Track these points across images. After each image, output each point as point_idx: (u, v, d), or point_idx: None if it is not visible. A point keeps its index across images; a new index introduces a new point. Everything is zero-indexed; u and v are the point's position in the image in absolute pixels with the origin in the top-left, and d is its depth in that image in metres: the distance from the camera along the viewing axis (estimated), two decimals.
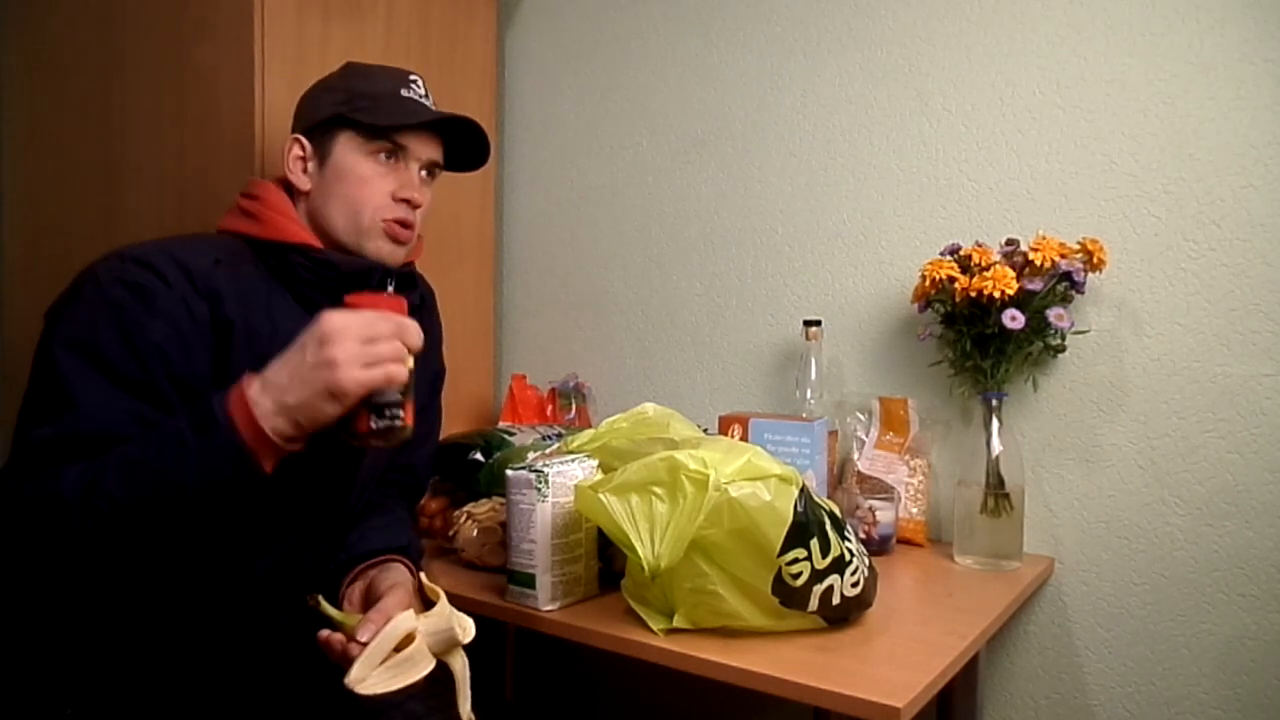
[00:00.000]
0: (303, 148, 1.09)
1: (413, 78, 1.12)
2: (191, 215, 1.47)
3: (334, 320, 0.84)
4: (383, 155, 1.08)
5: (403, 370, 0.85)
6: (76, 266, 0.97)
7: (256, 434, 0.83)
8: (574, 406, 1.75)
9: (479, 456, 1.39)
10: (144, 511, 0.84)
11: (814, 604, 0.97)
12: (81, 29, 1.66)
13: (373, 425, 0.86)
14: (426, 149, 1.11)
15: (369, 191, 1.07)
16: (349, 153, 1.07)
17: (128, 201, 1.59)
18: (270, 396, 0.83)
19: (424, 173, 1.12)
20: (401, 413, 0.87)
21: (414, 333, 0.87)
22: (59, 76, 1.71)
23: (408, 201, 1.08)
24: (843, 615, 1.01)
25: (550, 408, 1.77)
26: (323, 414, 0.84)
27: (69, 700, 0.96)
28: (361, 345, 0.83)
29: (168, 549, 0.90)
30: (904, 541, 1.38)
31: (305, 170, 1.09)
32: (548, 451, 1.31)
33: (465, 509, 1.27)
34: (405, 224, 1.08)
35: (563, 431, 1.50)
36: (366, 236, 1.07)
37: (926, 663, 0.93)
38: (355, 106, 1.07)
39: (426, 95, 1.12)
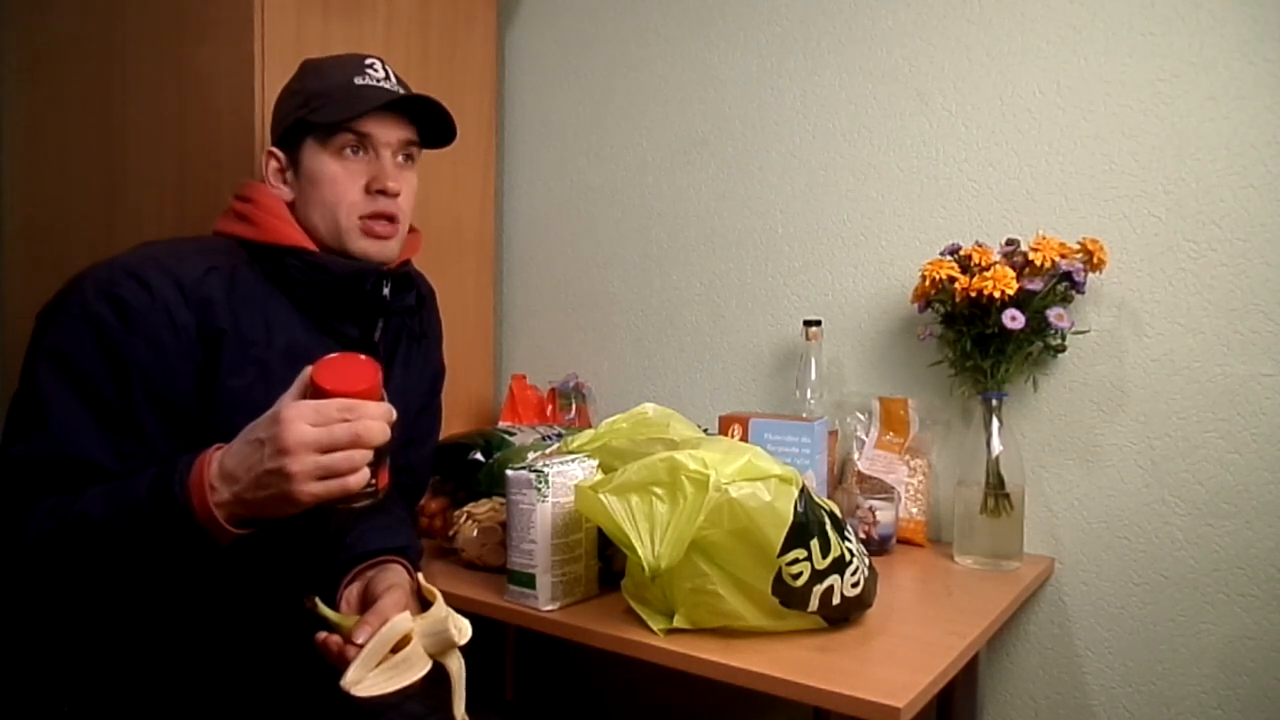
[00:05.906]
0: (278, 159, 1.09)
1: (369, 61, 1.08)
2: (191, 215, 1.47)
3: (292, 428, 0.79)
4: (348, 150, 1.06)
5: (361, 476, 0.82)
6: (76, 266, 0.97)
7: (211, 519, 0.83)
8: (574, 406, 1.75)
9: (479, 456, 1.38)
10: (106, 566, 0.87)
11: (814, 604, 0.97)
12: (81, 29, 1.66)
13: None
14: (393, 132, 1.07)
15: (341, 190, 1.05)
16: (315, 156, 1.06)
17: (128, 201, 1.59)
18: (228, 487, 0.82)
19: (399, 157, 1.09)
20: (373, 480, 0.85)
21: (377, 429, 0.82)
22: (59, 76, 1.71)
23: (383, 192, 1.06)
24: (843, 615, 1.01)
25: (550, 408, 1.77)
26: (279, 513, 0.83)
27: (66, 697, 0.96)
28: (318, 457, 0.80)
29: (141, 585, 0.91)
30: (904, 541, 1.38)
31: (285, 181, 1.09)
32: (548, 451, 1.31)
33: (465, 509, 1.27)
34: (384, 216, 1.06)
35: (563, 431, 1.50)
36: (348, 237, 1.06)
37: (926, 663, 0.93)
38: (311, 107, 1.05)
39: (387, 77, 1.09)
